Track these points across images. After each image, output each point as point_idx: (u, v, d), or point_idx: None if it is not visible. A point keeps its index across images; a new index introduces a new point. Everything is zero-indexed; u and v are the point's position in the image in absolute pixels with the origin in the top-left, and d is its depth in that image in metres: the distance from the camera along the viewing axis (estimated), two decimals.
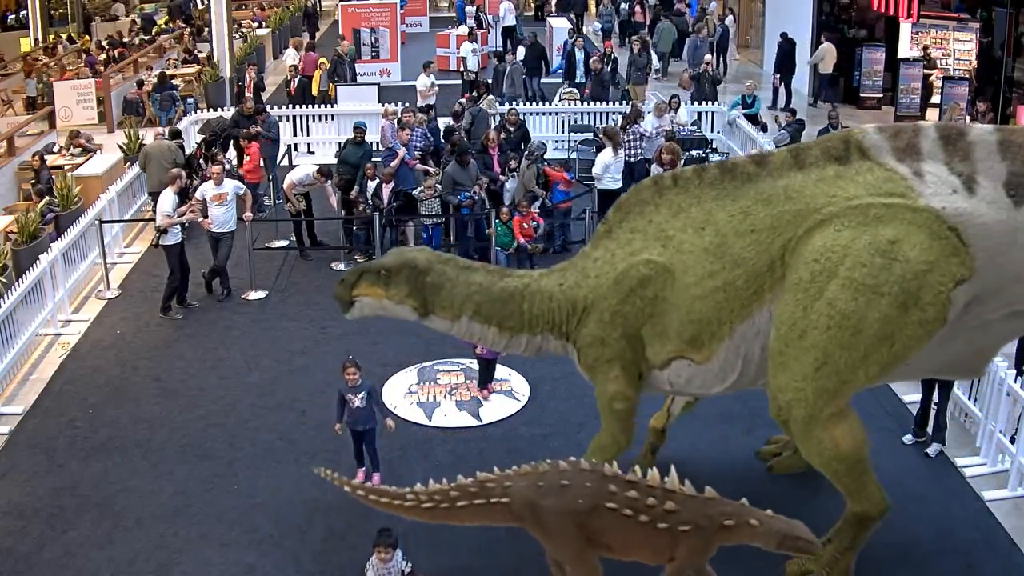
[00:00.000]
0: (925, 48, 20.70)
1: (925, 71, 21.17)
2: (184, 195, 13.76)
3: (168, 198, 13.20)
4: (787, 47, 23.73)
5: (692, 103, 20.30)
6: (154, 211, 13.73)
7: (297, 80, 21.87)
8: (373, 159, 15.73)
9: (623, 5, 31.67)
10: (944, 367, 8.17)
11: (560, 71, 23.30)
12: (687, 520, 6.80)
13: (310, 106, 20.95)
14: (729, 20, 28.60)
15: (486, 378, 10.98)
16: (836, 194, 7.47)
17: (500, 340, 8.46)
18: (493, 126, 17.33)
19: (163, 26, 33.16)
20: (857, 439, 7.55)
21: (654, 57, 25.63)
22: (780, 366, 7.49)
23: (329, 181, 14.96)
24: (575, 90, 21.64)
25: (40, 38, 30.28)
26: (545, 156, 15.68)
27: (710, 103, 20.63)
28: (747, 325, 7.67)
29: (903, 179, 7.40)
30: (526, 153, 15.23)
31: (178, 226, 13.13)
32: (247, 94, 21.20)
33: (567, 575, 7.32)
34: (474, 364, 11.23)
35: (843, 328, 7.20)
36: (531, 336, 8.38)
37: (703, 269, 7.67)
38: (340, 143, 17.10)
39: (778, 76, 23.64)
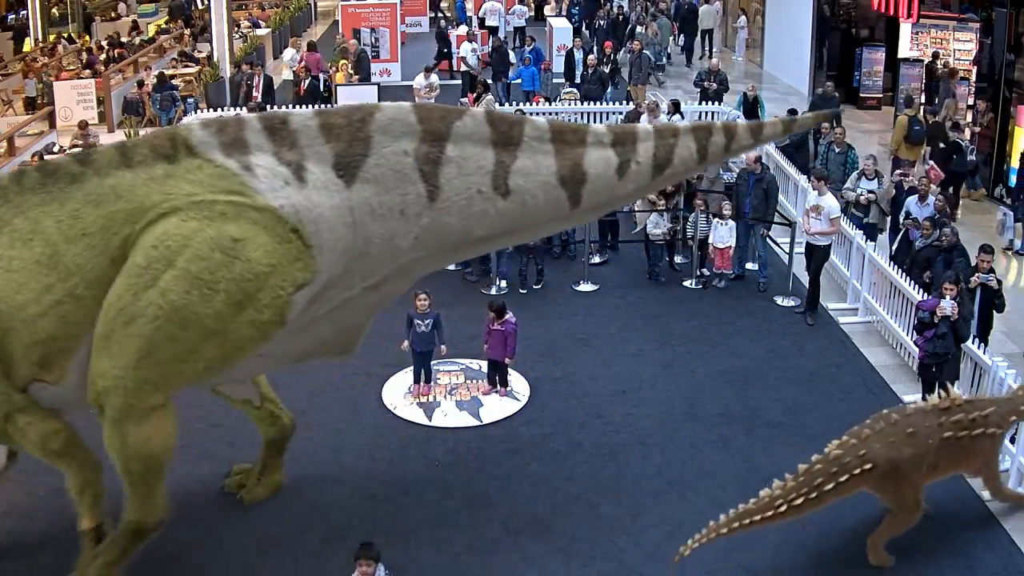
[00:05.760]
0: (935, 55, 20.76)
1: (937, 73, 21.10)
2: None
3: None
4: (687, 14, 28.33)
5: (700, 103, 20.37)
6: None
7: (308, 82, 21.57)
8: None
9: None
10: (315, 351, 8.27)
11: (521, 76, 23.02)
12: (998, 423, 7.82)
13: (309, 106, 20.89)
14: (742, 21, 28.79)
15: (495, 378, 10.84)
16: (173, 192, 7.19)
17: None
18: None
19: (163, 25, 33.18)
20: (167, 443, 7.48)
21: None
22: (103, 351, 7.11)
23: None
24: (575, 90, 21.60)
25: (40, 38, 30.27)
26: None
27: (711, 104, 20.60)
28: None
29: (235, 175, 7.26)
30: None
31: None
32: (255, 94, 21.10)
33: (894, 521, 7.81)
34: (474, 364, 11.26)
35: (172, 320, 7.01)
36: None
37: (38, 284, 7.09)
38: None
39: (679, 32, 28.42)
